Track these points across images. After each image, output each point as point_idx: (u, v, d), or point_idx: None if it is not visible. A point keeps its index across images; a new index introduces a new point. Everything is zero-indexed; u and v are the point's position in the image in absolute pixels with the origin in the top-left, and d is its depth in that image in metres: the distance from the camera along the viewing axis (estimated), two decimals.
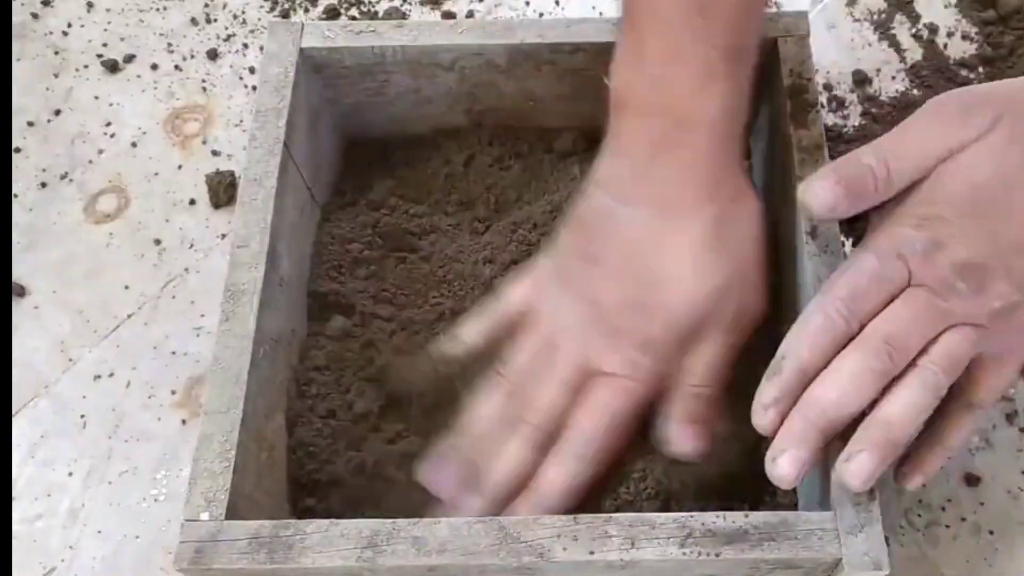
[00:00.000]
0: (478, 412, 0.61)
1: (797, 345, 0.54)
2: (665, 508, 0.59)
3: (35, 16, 0.88)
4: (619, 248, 0.60)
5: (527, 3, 0.87)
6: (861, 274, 0.54)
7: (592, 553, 0.52)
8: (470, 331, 0.64)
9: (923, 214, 0.55)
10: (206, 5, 0.88)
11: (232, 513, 0.54)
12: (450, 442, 0.61)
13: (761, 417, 0.54)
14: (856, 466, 0.51)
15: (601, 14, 0.85)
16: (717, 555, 0.52)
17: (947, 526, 0.64)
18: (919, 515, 0.64)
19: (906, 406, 0.52)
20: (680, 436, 0.60)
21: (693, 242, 0.59)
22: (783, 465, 0.52)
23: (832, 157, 0.65)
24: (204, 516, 0.54)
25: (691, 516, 0.53)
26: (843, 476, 0.52)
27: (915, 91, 0.80)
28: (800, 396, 0.53)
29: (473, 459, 0.60)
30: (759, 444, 0.57)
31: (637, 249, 0.60)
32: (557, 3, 0.87)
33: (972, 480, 0.65)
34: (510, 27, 0.70)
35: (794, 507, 0.59)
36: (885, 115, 0.79)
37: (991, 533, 0.63)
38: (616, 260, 0.60)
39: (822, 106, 0.72)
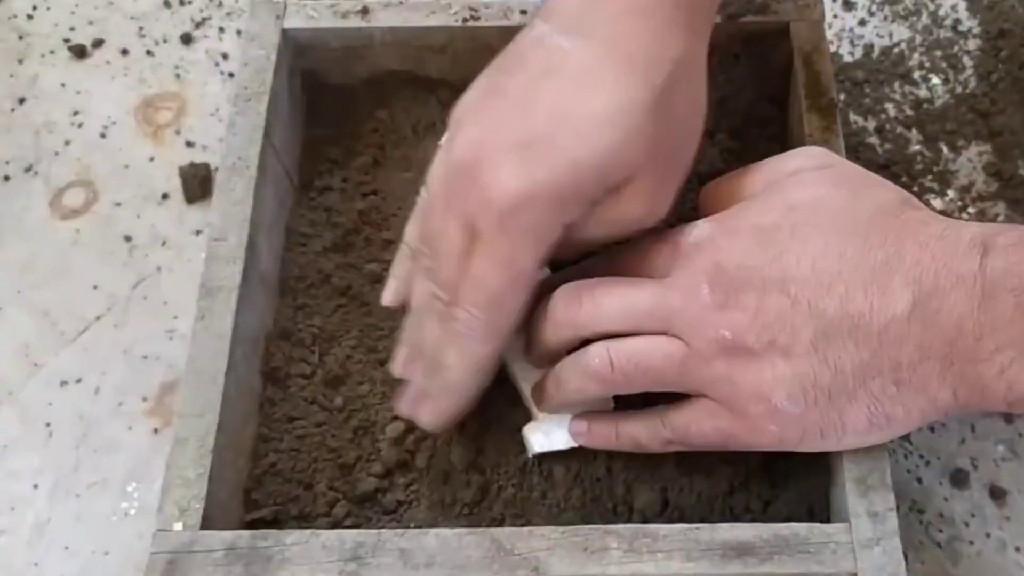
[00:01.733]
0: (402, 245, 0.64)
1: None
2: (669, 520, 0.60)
3: None
4: (536, 74, 0.56)
5: None
6: (628, 248, 0.60)
7: (591, 567, 0.53)
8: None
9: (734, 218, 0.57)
10: None
11: (207, 523, 0.55)
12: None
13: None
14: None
15: None
16: (724, 570, 0.53)
17: (970, 542, 0.65)
18: (940, 530, 0.65)
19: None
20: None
21: (630, 86, 0.55)
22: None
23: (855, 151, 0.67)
24: (177, 526, 0.55)
25: (697, 528, 0.54)
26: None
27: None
28: None
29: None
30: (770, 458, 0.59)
31: (558, 76, 0.56)
32: None
33: (998, 493, 0.66)
34: (506, 8, 0.71)
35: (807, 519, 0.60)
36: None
37: (1018, 550, 0.64)
38: (525, 88, 0.56)
39: (840, 102, 0.73)
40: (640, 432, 0.59)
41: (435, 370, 0.59)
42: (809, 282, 0.53)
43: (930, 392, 0.53)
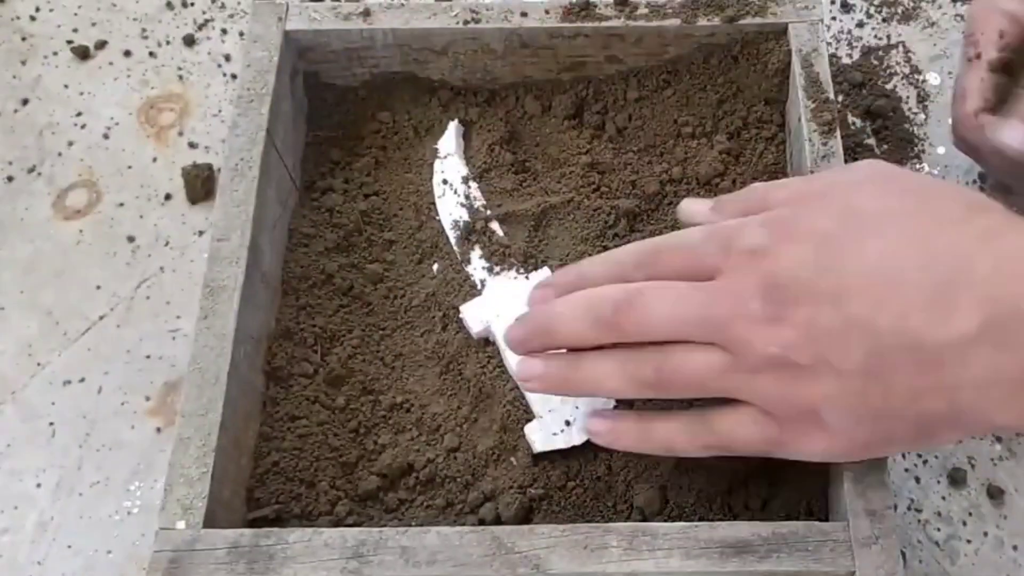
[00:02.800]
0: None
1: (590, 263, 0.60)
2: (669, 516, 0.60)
3: None
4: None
5: None
6: (675, 241, 0.58)
7: (591, 564, 0.53)
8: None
9: (792, 208, 0.55)
10: None
11: (210, 521, 0.56)
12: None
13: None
14: None
15: None
16: (723, 567, 0.53)
17: (968, 540, 0.65)
18: (938, 529, 0.65)
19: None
20: None
21: None
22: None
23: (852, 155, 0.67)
24: (180, 524, 0.55)
25: (696, 525, 0.54)
26: None
27: None
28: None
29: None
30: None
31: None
32: None
33: (995, 492, 0.66)
34: (507, 10, 0.71)
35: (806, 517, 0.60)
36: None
37: (1015, 548, 0.65)
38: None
39: (837, 103, 0.73)
40: (677, 435, 0.57)
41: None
42: (865, 297, 0.50)
43: (989, 416, 0.50)
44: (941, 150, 0.78)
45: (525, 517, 0.60)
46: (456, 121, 0.73)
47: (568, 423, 0.61)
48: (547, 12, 0.70)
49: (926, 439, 0.53)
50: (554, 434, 0.61)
